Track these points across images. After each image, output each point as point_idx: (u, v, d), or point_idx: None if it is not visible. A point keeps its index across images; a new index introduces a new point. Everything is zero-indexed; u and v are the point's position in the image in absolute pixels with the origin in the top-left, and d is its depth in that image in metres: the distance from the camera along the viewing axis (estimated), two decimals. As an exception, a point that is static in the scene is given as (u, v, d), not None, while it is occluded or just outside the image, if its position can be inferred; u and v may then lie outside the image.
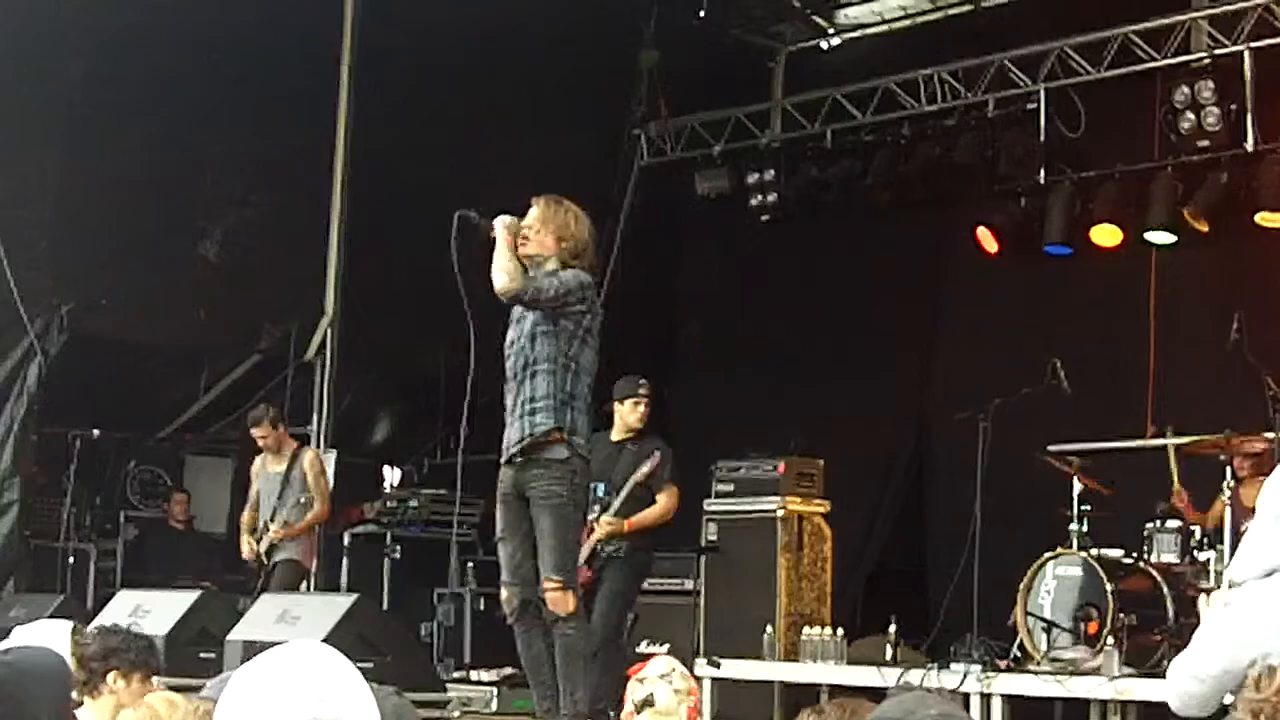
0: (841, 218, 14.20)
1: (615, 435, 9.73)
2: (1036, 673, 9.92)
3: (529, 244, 7.42)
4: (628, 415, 9.69)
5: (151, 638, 6.44)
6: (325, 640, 7.61)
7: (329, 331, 13.54)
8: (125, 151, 12.77)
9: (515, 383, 7.46)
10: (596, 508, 9.47)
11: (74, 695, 5.23)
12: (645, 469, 9.51)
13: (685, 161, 14.80)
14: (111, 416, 13.42)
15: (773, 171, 14.14)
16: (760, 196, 14.21)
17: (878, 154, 13.59)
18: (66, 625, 6.30)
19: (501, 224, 7.34)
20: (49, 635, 6.00)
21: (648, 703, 5.35)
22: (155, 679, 5.95)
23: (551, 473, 7.34)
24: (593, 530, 9.38)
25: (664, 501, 9.65)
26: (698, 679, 10.43)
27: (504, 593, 7.54)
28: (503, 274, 7.25)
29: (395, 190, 13.60)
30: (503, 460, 7.50)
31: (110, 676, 5.78)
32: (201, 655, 8.97)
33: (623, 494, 9.50)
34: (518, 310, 7.49)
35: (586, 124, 14.63)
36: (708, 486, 12.13)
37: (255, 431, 11.49)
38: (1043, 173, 12.89)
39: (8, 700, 4.57)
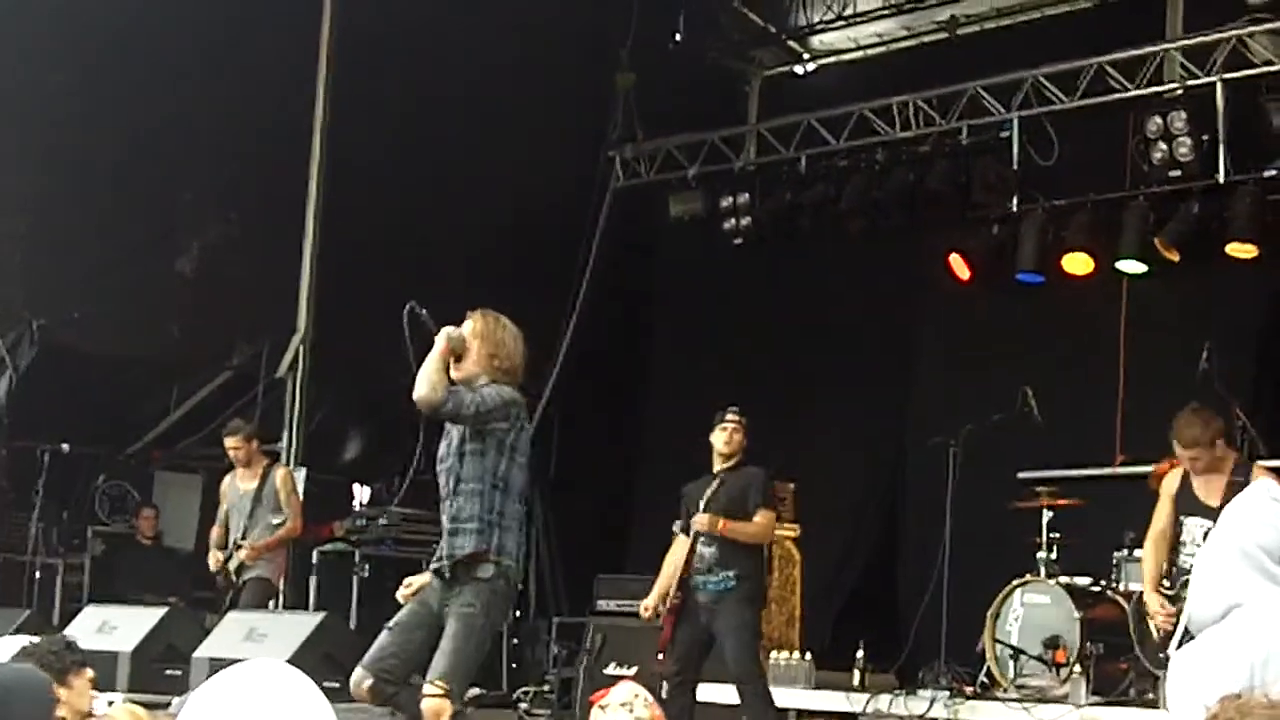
0: (815, 243, 14.18)
1: (715, 467, 9.62)
2: (1004, 700, 9.91)
3: (463, 361, 7.33)
4: (717, 442, 9.57)
5: (64, 637, 6.36)
6: (291, 659, 7.58)
7: (301, 348, 13.50)
8: (101, 166, 12.73)
9: (446, 499, 7.30)
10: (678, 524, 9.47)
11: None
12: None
13: (659, 184, 14.81)
14: (81, 431, 13.35)
15: (747, 195, 14.14)
16: (734, 220, 14.20)
17: (852, 179, 13.58)
18: (18, 642, 6.25)
19: (445, 334, 7.29)
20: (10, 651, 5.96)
21: (608, 731, 5.32)
22: (89, 670, 5.91)
23: (472, 589, 7.14)
24: (692, 549, 9.31)
25: (760, 520, 9.46)
26: (664, 704, 10.41)
27: (356, 673, 7.18)
28: (425, 383, 7.14)
29: (369, 209, 13.58)
30: (431, 567, 7.35)
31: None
32: (168, 672, 8.93)
33: (709, 501, 9.31)
34: (447, 424, 7.38)
35: (562, 145, 14.60)
36: (678, 510, 12.09)
37: (229, 442, 11.38)
38: (1015, 200, 12.92)
39: None
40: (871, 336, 14.28)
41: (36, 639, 6.22)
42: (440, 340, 7.25)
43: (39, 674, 4.80)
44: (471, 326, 7.40)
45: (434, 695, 6.86)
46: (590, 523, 15.36)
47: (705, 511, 9.32)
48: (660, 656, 9.41)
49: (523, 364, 7.54)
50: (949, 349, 14.07)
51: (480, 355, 7.34)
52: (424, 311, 7.36)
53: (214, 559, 11.18)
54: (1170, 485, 8.66)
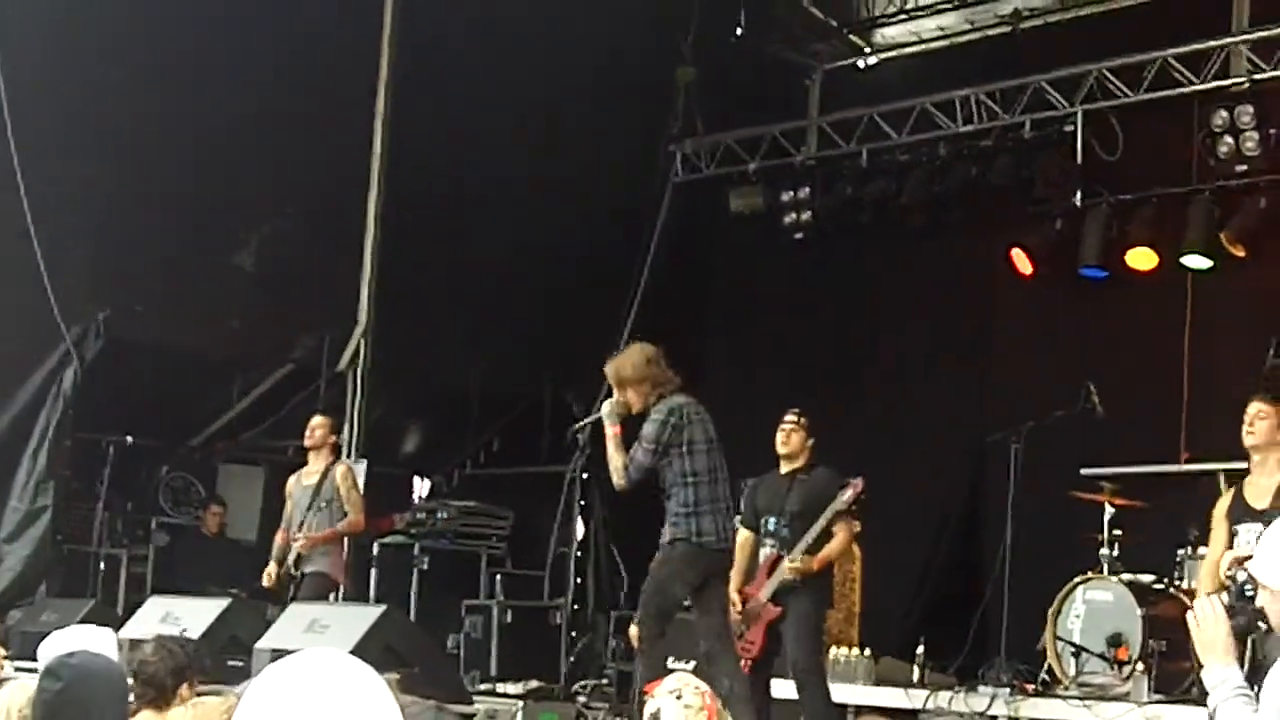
0: (875, 237, 14.16)
1: (784, 469, 9.65)
2: (1064, 697, 9.88)
3: (631, 406, 8.65)
4: (777, 442, 9.63)
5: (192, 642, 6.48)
6: (353, 650, 7.64)
7: (362, 342, 13.57)
8: (165, 161, 12.81)
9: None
10: (770, 541, 9.48)
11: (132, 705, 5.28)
12: (847, 495, 9.40)
13: (720, 178, 14.80)
14: (145, 423, 13.47)
15: (807, 190, 14.12)
16: (794, 215, 14.19)
17: (913, 174, 13.56)
18: (105, 632, 6.33)
19: (605, 414, 8.70)
20: (90, 641, 6.04)
21: (655, 718, 5.33)
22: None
23: (676, 553, 8.73)
24: (773, 566, 9.34)
25: (841, 535, 9.51)
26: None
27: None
28: (615, 475, 8.75)
29: (430, 202, 13.63)
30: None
31: (182, 689, 5.77)
32: (230, 663, 8.98)
33: (818, 525, 9.36)
34: None
35: (622, 139, 14.63)
36: (735, 502, 12.09)
37: (314, 421, 11.41)
38: (1079, 195, 12.85)
39: (73, 703, 4.63)
40: (932, 333, 14.22)
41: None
42: (607, 424, 8.67)
43: (116, 664, 4.90)
44: (615, 374, 8.70)
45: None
46: (647, 518, 15.34)
47: (778, 515, 9.45)
48: (741, 663, 9.47)
49: (666, 369, 8.73)
50: (1011, 345, 14.01)
51: (639, 394, 8.62)
52: (582, 423, 9.21)
53: (269, 575, 11.17)
54: (1220, 508, 8.53)
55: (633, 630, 8.89)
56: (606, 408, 8.71)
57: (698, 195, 14.98)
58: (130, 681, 5.82)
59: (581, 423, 9.04)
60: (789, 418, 9.58)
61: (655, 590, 8.83)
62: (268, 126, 13.05)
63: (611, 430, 8.68)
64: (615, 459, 8.65)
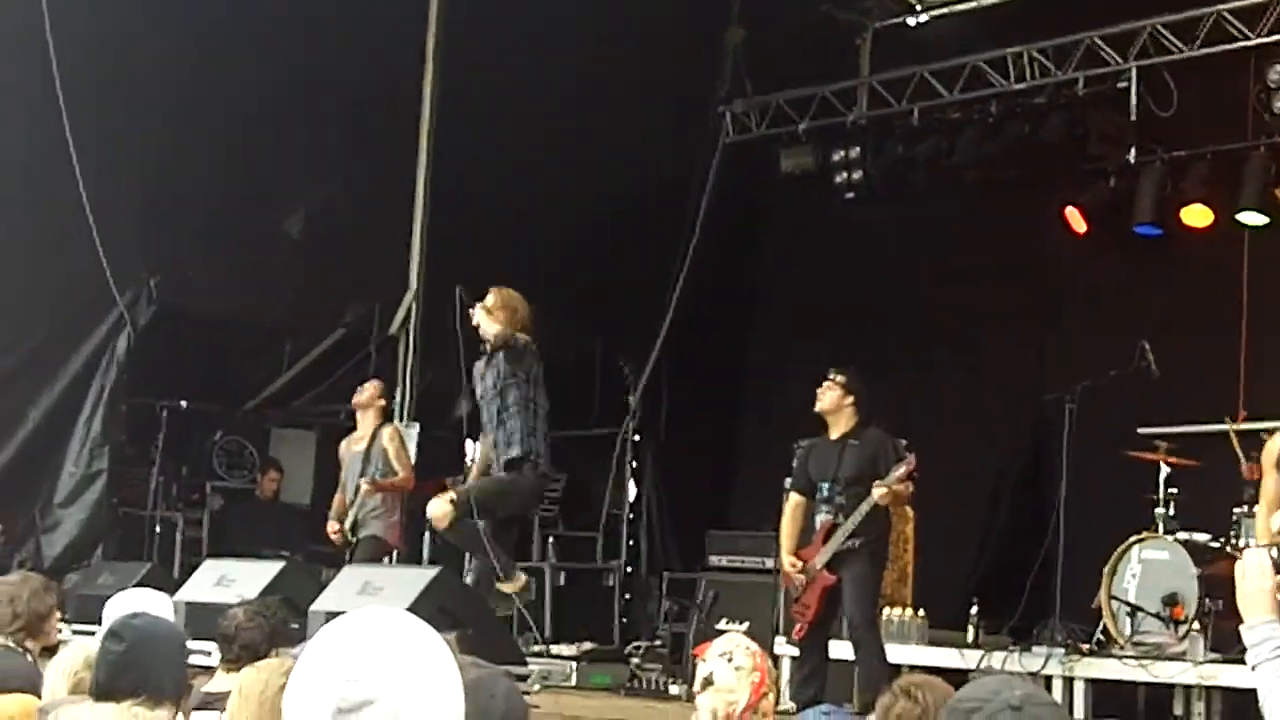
0: (927, 197, 14.10)
1: (833, 434, 9.64)
2: (1120, 657, 9.85)
3: (492, 320, 9.65)
4: (817, 402, 9.61)
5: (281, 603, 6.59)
6: (407, 612, 7.68)
7: (413, 306, 13.60)
8: (215, 128, 12.89)
9: (489, 423, 9.80)
10: (825, 508, 9.45)
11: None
12: (901, 471, 9.34)
13: (770, 139, 14.73)
14: (198, 388, 13.54)
15: (858, 149, 14.05)
16: (845, 175, 14.12)
17: (965, 132, 13.47)
18: (161, 596, 6.38)
19: (487, 304, 9.73)
20: (148, 604, 6.11)
21: (708, 681, 5.32)
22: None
23: (510, 472, 9.66)
24: (829, 533, 9.34)
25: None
26: (776, 658, 10.45)
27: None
28: (497, 334, 9.64)
29: (478, 166, 13.63)
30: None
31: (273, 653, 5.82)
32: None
33: (866, 504, 9.25)
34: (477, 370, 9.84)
35: (671, 101, 14.59)
36: (786, 464, 12.09)
37: (365, 384, 11.56)
38: (1133, 152, 12.74)
39: (136, 664, 4.68)
40: (985, 291, 14.16)
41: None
42: (487, 306, 9.69)
43: (177, 627, 4.96)
44: (494, 299, 9.71)
45: (443, 499, 9.60)
46: (699, 479, 15.40)
47: (832, 481, 9.40)
48: (798, 627, 9.48)
49: (529, 316, 9.84)
50: (1065, 304, 13.95)
51: (507, 318, 9.65)
52: (463, 293, 9.69)
53: (332, 528, 11.30)
54: (1271, 453, 8.38)
55: (441, 501, 9.58)
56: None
57: (748, 156, 14.91)
58: (222, 641, 5.91)
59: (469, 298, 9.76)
60: (829, 377, 9.56)
61: (500, 498, 9.83)
62: (316, 92, 13.08)
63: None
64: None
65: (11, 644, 6.22)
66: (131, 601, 6.36)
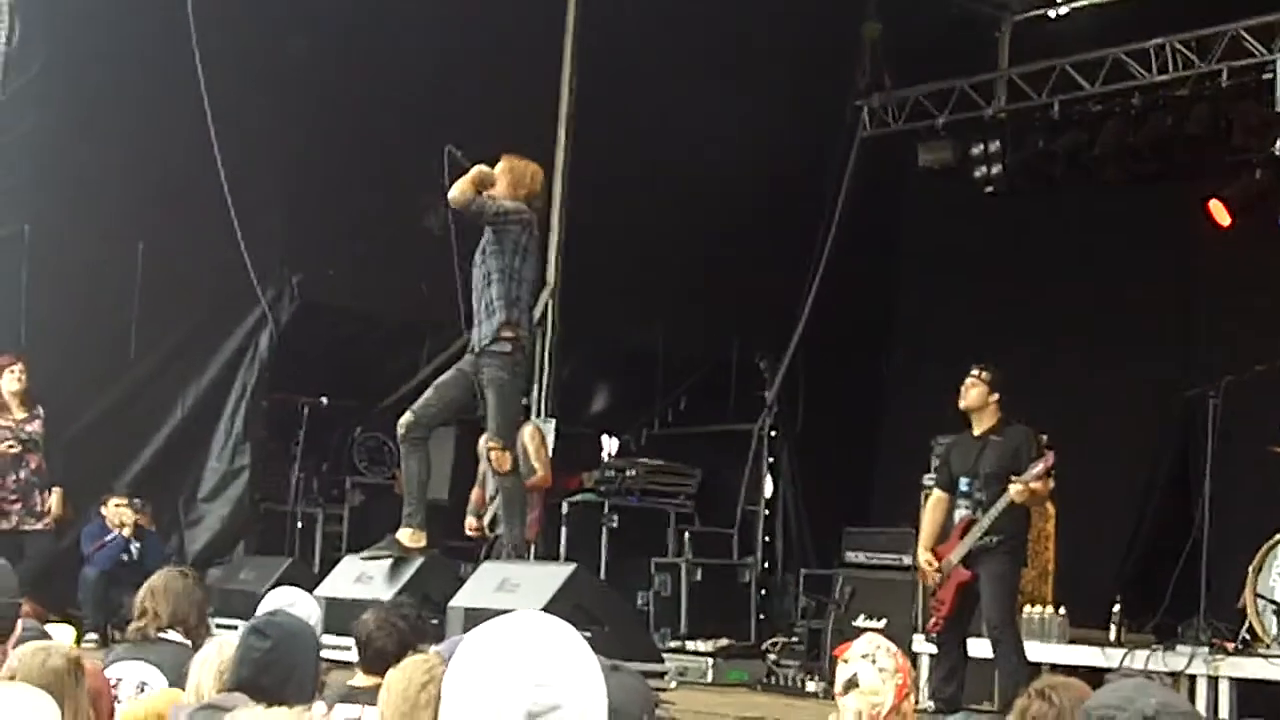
0: (1068, 191, 13.98)
1: (976, 430, 9.56)
2: (1266, 656, 9.68)
3: (493, 190, 9.34)
4: (960, 398, 9.55)
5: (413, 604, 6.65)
6: (544, 609, 7.71)
7: (550, 302, 13.65)
8: (354, 125, 13.01)
9: (478, 291, 9.44)
10: (964, 503, 9.39)
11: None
12: (1040, 468, 9.26)
13: (908, 133, 14.65)
14: (338, 385, 13.68)
15: (997, 143, 13.97)
16: (984, 169, 14.05)
17: (1106, 125, 13.32)
18: (308, 597, 6.46)
19: (476, 168, 9.30)
20: (297, 603, 6.20)
21: (852, 683, 5.29)
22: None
23: (498, 361, 9.32)
24: (966, 529, 9.31)
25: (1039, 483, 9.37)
26: (914, 656, 10.39)
27: (405, 415, 9.60)
28: (457, 188, 9.24)
29: (615, 160, 13.63)
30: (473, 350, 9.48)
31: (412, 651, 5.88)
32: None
33: (1003, 500, 9.12)
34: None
35: (807, 96, 14.56)
36: (925, 460, 12.02)
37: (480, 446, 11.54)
38: (1278, 144, 12.51)
39: (278, 662, 4.75)
40: (1127, 287, 14.00)
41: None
42: (473, 170, 9.25)
43: (311, 626, 5.02)
44: (502, 164, 9.42)
45: (495, 448, 9.48)
46: (836, 475, 15.35)
47: (971, 476, 9.31)
48: (933, 621, 9.42)
49: (541, 193, 9.74)
50: (1209, 298, 13.74)
51: (508, 185, 9.38)
52: (460, 153, 9.37)
53: (470, 524, 11.34)
54: None
55: (497, 453, 9.48)
56: (483, 167, 9.33)
57: (885, 151, 14.84)
58: (356, 645, 5.97)
59: (460, 154, 9.37)
60: (971, 371, 9.48)
61: (513, 403, 9.69)
62: (453, 88, 13.16)
63: (474, 173, 9.29)
64: (465, 182, 9.24)
65: (182, 639, 6.31)
66: (281, 600, 6.44)
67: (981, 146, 14.02)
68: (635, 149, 13.69)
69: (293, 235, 13.01)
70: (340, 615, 8.05)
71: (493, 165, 9.45)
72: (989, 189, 14.08)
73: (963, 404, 9.50)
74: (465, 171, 9.34)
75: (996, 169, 13.97)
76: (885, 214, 15.68)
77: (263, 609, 6.11)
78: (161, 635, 6.30)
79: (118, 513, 11.53)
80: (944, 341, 14.54)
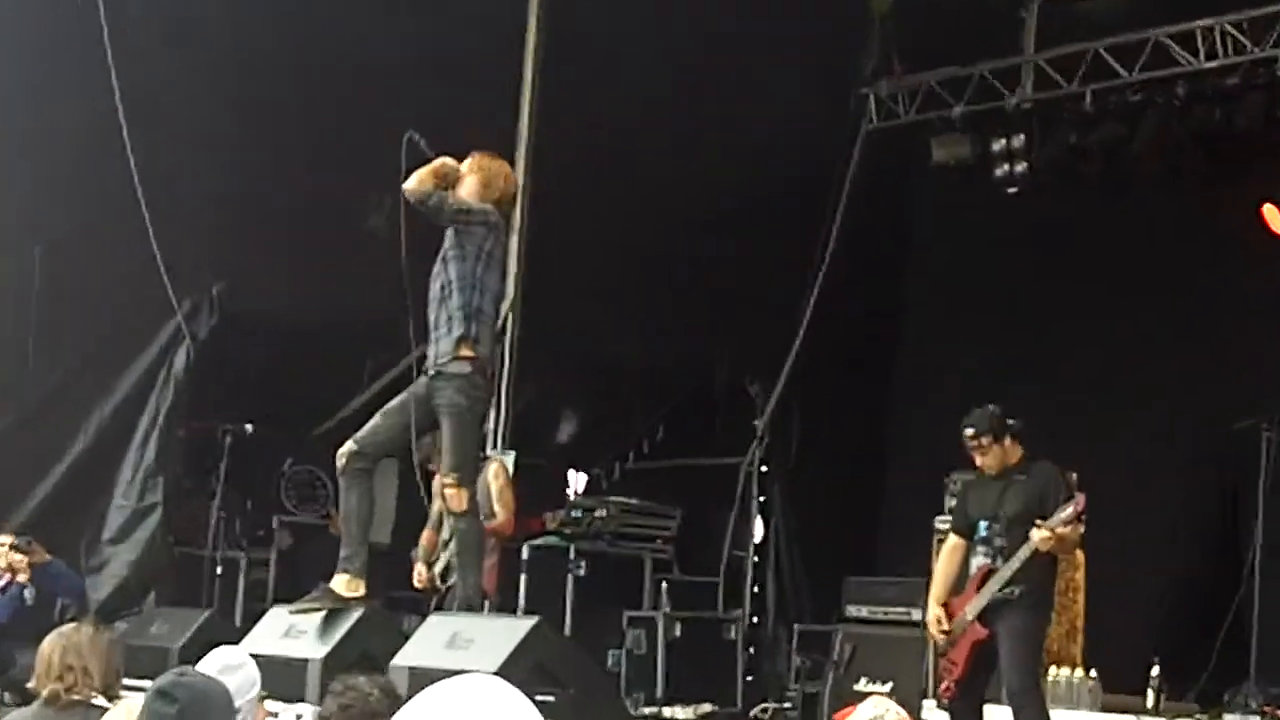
0: (1102, 191, 14.05)
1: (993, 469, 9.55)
2: (1325, 727, 9.72)
3: (460, 184, 9.27)
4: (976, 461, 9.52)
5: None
6: (499, 670, 7.67)
7: (508, 316, 13.64)
8: (288, 114, 12.96)
9: (434, 303, 9.37)
10: (982, 549, 9.35)
11: None
12: (1069, 512, 9.22)
13: (920, 125, 14.69)
14: (265, 410, 13.61)
15: (1022, 137, 14.05)
16: (1007, 166, 14.14)
17: (1146, 117, 13.41)
18: (247, 659, 6.43)
19: (441, 160, 9.21)
20: (240, 665, 6.17)
21: (855, 754, 5.29)
22: None
23: (455, 385, 9.17)
24: (984, 579, 9.28)
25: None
26: (926, 726, 10.40)
27: (347, 445, 9.35)
28: (415, 179, 9.10)
29: (586, 157, 13.63)
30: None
31: None
32: (362, 683, 9.05)
33: (1026, 548, 9.02)
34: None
35: (808, 82, 14.55)
36: (938, 500, 12.03)
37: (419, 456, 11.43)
38: (1342, 141, 12.62)
39: None
40: (1167, 302, 14.02)
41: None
42: (437, 161, 9.16)
43: (223, 685, 5.00)
44: (470, 162, 9.35)
45: (450, 485, 9.18)
46: (835, 516, 15.35)
47: (990, 519, 9.25)
48: (944, 685, 9.41)
49: (513, 198, 9.79)
50: (1259, 315, 13.77)
51: (476, 184, 9.31)
52: (423, 141, 9.18)
53: (418, 573, 11.29)
54: None
55: (453, 491, 9.22)
56: (449, 159, 9.24)
57: (894, 145, 14.88)
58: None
59: (423, 142, 9.16)
60: (969, 442, 9.34)
61: (471, 432, 9.50)
62: (403, 76, 13.14)
63: (436, 164, 9.17)
64: (426, 172, 9.12)
65: (100, 700, 6.27)
66: (220, 662, 6.41)
67: (1004, 141, 14.11)
68: (610, 141, 13.68)
69: (214, 237, 12.95)
70: (267, 674, 8.00)
71: (460, 161, 9.42)
72: (1012, 189, 14.16)
73: (989, 473, 9.42)
74: (427, 163, 9.22)
75: (1021, 167, 14.07)
76: (893, 218, 15.71)
77: (203, 667, 6.08)
78: (90, 700, 6.28)
79: (6, 556, 11.48)
80: (960, 363, 14.56)
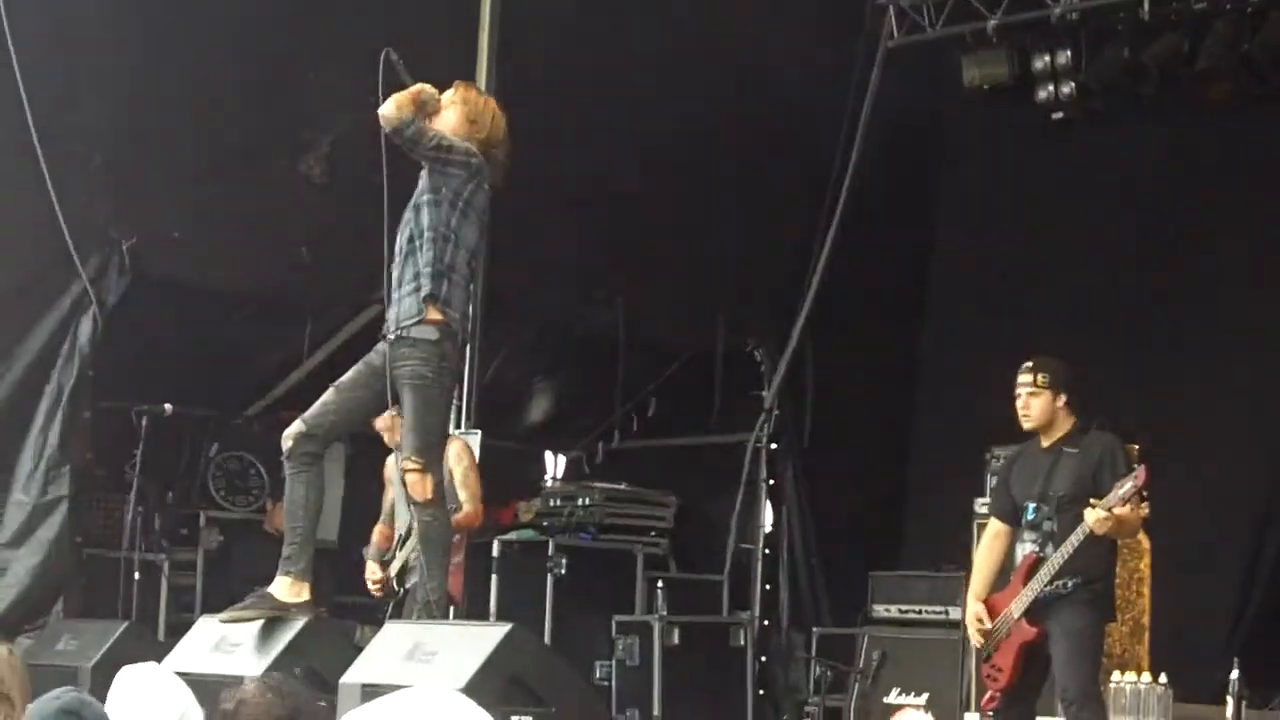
0: (1161, 116, 14.06)
1: (1045, 440, 9.42)
2: None
3: (438, 117, 9.13)
4: (1018, 413, 9.45)
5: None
6: (467, 686, 7.59)
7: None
8: (206, 41, 12.88)
9: (399, 256, 9.21)
10: (1029, 536, 9.33)
11: None
12: (1127, 489, 9.15)
13: (949, 41, 14.60)
14: (189, 388, 13.56)
15: (1069, 53, 14.02)
16: (1051, 87, 14.16)
17: (1213, 28, 13.35)
18: (173, 679, 6.34)
19: (420, 85, 9.08)
20: (159, 687, 6.09)
21: (894, 768, 5.27)
22: None
23: (420, 353, 9.04)
24: (1031, 570, 9.22)
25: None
26: (968, 742, 10.37)
27: (294, 425, 9.20)
28: (392, 103, 8.90)
29: (557, 90, 13.57)
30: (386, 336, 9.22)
31: None
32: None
33: (1080, 531, 8.98)
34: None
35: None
36: (978, 479, 11.99)
37: (379, 423, 11.35)
38: None
39: None
40: (1239, 249, 14.01)
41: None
42: (416, 87, 9.05)
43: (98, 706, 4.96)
44: (453, 93, 9.27)
45: (413, 470, 9.09)
46: (858, 501, 15.33)
47: (1039, 500, 9.23)
48: (988, 696, 9.43)
49: (502, 144, 9.45)
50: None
51: (459, 119, 9.21)
52: (400, 61, 9.08)
53: (371, 573, 11.26)
54: None
55: (415, 476, 9.10)
56: (430, 86, 9.12)
57: (919, 65, 14.80)
58: None
59: (401, 63, 9.03)
60: (1022, 378, 9.36)
61: (438, 408, 9.31)
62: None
63: (416, 89, 9.06)
64: (404, 96, 8.97)
65: None
66: (136, 683, 6.32)
67: (1047, 58, 14.10)
68: (586, 72, 13.64)
69: (123, 187, 12.87)
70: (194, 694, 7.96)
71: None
72: (1057, 114, 14.14)
73: (1029, 423, 9.39)
74: (405, 87, 9.03)
75: (1067, 88, 14.08)
76: (919, 150, 15.68)
77: (114, 696, 6.00)
78: None
79: None
80: (997, 320, 14.53)
